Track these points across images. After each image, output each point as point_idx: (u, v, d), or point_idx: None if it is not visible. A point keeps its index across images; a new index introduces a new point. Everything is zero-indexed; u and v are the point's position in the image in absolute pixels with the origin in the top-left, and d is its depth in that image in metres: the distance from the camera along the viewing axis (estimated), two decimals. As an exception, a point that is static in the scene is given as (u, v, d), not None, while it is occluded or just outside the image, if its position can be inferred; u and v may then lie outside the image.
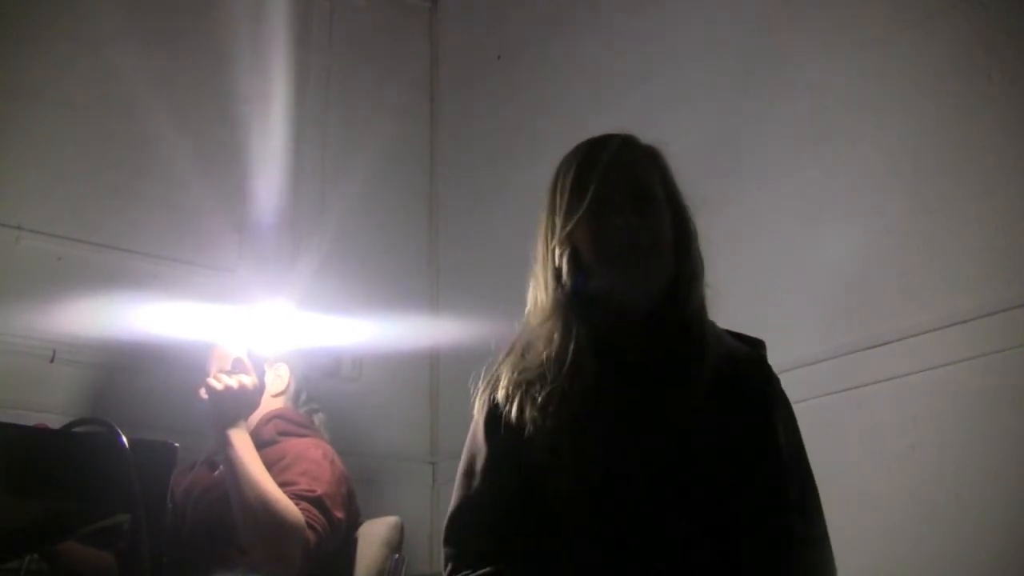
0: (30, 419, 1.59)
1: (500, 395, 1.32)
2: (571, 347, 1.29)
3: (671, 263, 1.32)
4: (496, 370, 1.37)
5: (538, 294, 1.36)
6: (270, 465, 1.94)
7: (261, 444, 2.01)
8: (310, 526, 1.87)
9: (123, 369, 2.62)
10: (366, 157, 3.29)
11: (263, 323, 2.29)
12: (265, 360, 2.11)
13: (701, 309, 1.34)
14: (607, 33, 2.93)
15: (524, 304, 1.40)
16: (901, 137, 2.07)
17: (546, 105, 3.05)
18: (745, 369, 1.31)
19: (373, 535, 2.03)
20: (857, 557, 1.68)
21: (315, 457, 2.01)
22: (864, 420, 2.01)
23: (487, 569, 1.23)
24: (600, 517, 1.22)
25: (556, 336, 1.31)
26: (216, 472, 2.03)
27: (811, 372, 2.05)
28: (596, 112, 2.74)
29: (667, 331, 1.31)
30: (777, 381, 1.36)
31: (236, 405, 1.96)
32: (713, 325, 1.36)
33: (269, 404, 2.14)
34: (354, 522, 2.05)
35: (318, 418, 2.24)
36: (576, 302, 1.31)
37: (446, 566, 1.29)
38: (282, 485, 1.90)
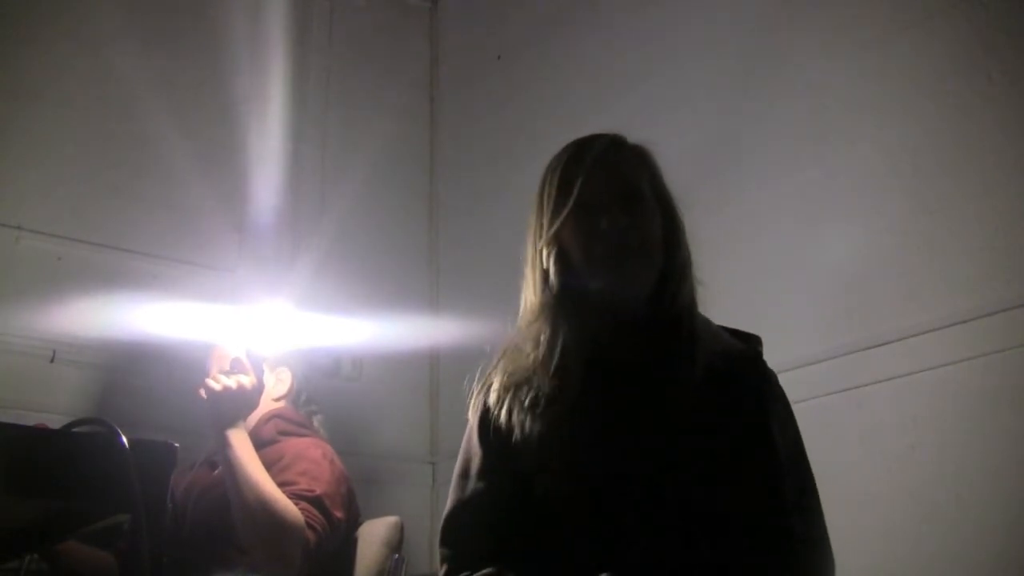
0: (30, 419, 1.58)
1: (492, 398, 1.33)
2: (557, 349, 1.28)
3: (660, 263, 1.31)
4: (489, 373, 1.37)
5: (527, 295, 1.35)
6: (269, 465, 1.94)
7: (260, 444, 2.01)
8: (310, 526, 1.87)
9: (123, 369, 2.62)
10: (366, 157, 3.29)
11: (263, 323, 2.29)
12: (264, 360, 2.11)
13: (691, 306, 1.33)
14: (607, 33, 2.93)
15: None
16: (901, 137, 2.07)
17: (546, 105, 3.05)
18: (739, 366, 1.30)
19: (373, 535, 2.03)
20: (857, 557, 1.68)
21: (314, 457, 2.01)
22: (864, 420, 2.01)
23: (487, 570, 1.23)
24: (594, 519, 1.21)
25: (543, 338, 1.30)
26: (216, 472, 2.03)
27: (811, 372, 2.05)
28: (596, 112, 2.74)
29: (657, 330, 1.30)
30: (773, 377, 1.35)
31: (235, 406, 1.96)
32: (707, 322, 1.35)
33: (269, 405, 2.14)
34: (354, 522, 2.05)
35: (317, 420, 2.24)
36: (564, 303, 1.31)
37: (442, 567, 1.29)
38: (281, 485, 1.90)
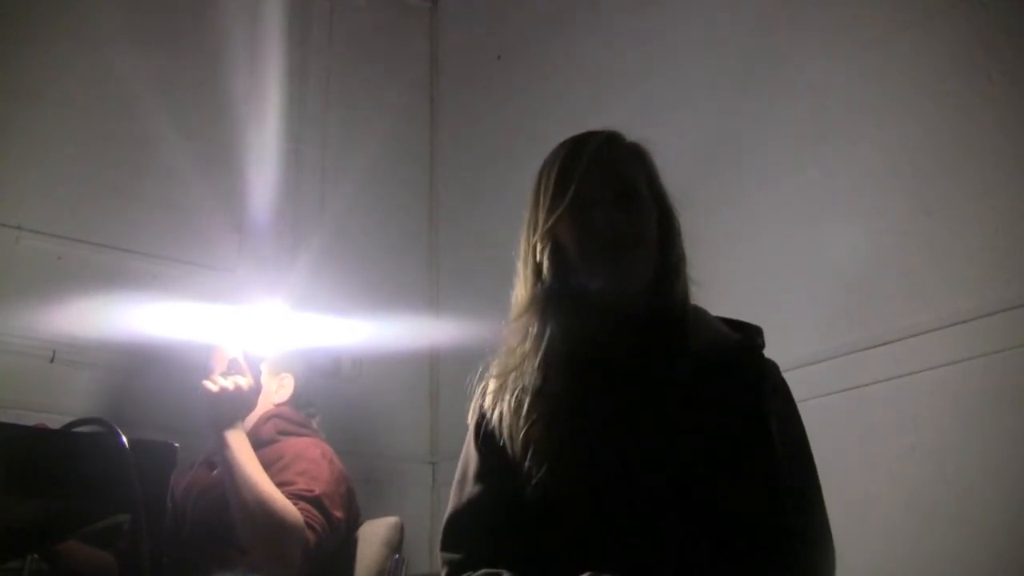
0: (30, 419, 1.58)
1: (486, 401, 1.33)
2: (544, 341, 1.28)
3: (655, 260, 1.31)
4: (485, 375, 1.37)
5: (519, 291, 1.35)
6: (268, 465, 1.94)
7: (260, 444, 2.01)
8: (309, 526, 1.87)
9: (123, 369, 2.62)
10: (366, 157, 3.29)
11: (263, 323, 2.29)
12: (262, 361, 2.10)
13: (684, 300, 1.32)
14: (607, 33, 2.93)
15: (524, 304, 1.39)
16: (901, 137, 2.07)
17: (546, 105, 3.05)
18: (736, 358, 1.28)
19: (373, 535, 2.03)
20: (857, 557, 1.68)
21: (313, 456, 2.01)
22: (864, 420, 2.01)
23: (486, 571, 1.23)
24: (594, 519, 1.21)
25: (531, 331, 1.30)
26: (215, 472, 2.02)
27: (811, 372, 2.05)
28: (596, 112, 2.74)
29: (650, 326, 1.29)
30: (773, 369, 1.33)
31: (232, 407, 1.96)
32: (702, 314, 1.34)
33: (268, 405, 2.14)
34: (354, 522, 2.05)
35: (315, 422, 2.24)
36: (557, 299, 1.30)
37: (443, 571, 1.29)
38: (280, 485, 1.90)
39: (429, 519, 2.97)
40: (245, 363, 2.00)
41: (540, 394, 1.27)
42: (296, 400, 2.23)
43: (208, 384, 1.96)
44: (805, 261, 2.20)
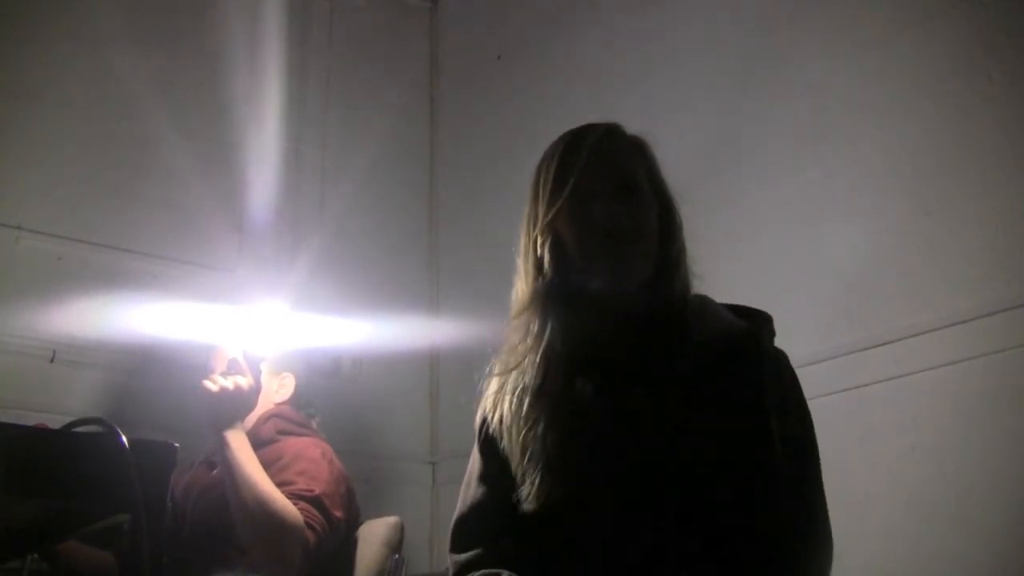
0: (30, 419, 1.58)
1: (488, 403, 1.34)
2: (545, 337, 1.27)
3: (655, 253, 1.29)
4: (488, 376, 1.36)
5: (520, 286, 1.33)
6: (268, 464, 1.94)
7: (259, 443, 2.01)
8: (309, 526, 1.87)
9: (123, 369, 2.62)
10: (366, 157, 3.29)
11: (263, 323, 2.29)
12: (262, 361, 2.10)
13: (684, 293, 1.31)
14: (607, 33, 2.93)
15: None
16: (901, 137, 2.08)
17: (546, 105, 3.05)
18: (739, 347, 1.26)
19: (373, 535, 2.03)
20: (857, 557, 1.68)
21: (313, 456, 2.01)
22: (864, 420, 2.01)
23: (486, 571, 1.23)
24: (594, 519, 1.21)
25: (533, 327, 1.29)
26: (215, 471, 2.02)
27: (811, 372, 2.04)
28: (596, 112, 2.70)
29: (650, 325, 1.28)
30: (780, 358, 1.31)
31: (232, 407, 1.96)
32: (707, 303, 1.32)
33: (268, 405, 2.14)
34: (354, 522, 2.05)
35: (315, 422, 2.24)
36: (558, 295, 1.29)
37: (451, 571, 1.30)
38: (280, 485, 1.90)
39: (429, 519, 2.97)
40: (245, 363, 2.00)
41: (540, 394, 1.27)
42: (296, 400, 2.23)
43: (208, 384, 1.96)
44: (805, 261, 2.20)
